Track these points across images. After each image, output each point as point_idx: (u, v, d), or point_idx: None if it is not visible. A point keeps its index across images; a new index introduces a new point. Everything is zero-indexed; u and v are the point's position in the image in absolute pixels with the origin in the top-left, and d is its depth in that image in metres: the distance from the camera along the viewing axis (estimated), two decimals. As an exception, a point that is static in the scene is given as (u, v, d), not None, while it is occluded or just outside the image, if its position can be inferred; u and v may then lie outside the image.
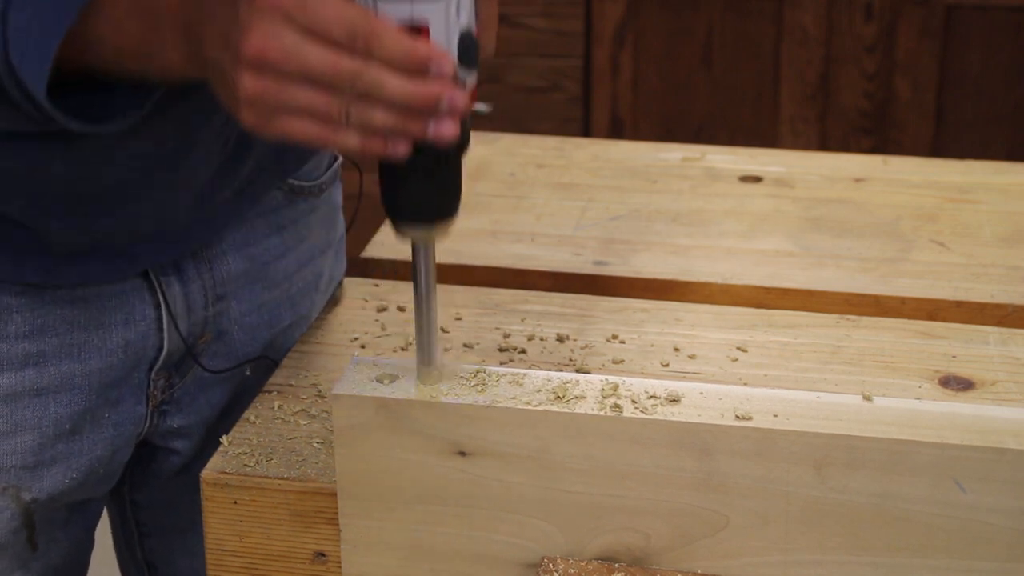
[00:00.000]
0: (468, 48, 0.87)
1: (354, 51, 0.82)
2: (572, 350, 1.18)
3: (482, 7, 0.90)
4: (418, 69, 0.83)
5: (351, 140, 0.85)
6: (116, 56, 0.90)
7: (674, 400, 0.94)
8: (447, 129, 0.85)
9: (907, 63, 2.86)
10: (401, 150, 0.86)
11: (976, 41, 2.85)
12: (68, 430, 1.12)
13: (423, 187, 0.91)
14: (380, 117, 0.84)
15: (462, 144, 0.90)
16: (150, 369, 1.15)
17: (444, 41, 0.86)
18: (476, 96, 0.90)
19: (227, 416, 1.22)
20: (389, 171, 0.91)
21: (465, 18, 0.87)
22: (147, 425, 1.18)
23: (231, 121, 1.08)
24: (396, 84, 0.83)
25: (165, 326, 1.14)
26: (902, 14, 2.84)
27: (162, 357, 1.15)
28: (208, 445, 1.21)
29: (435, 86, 0.83)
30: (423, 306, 0.95)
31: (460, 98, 0.84)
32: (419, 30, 0.85)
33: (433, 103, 0.84)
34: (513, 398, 0.94)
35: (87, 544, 1.21)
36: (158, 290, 1.14)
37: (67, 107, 0.90)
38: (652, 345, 1.19)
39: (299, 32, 0.82)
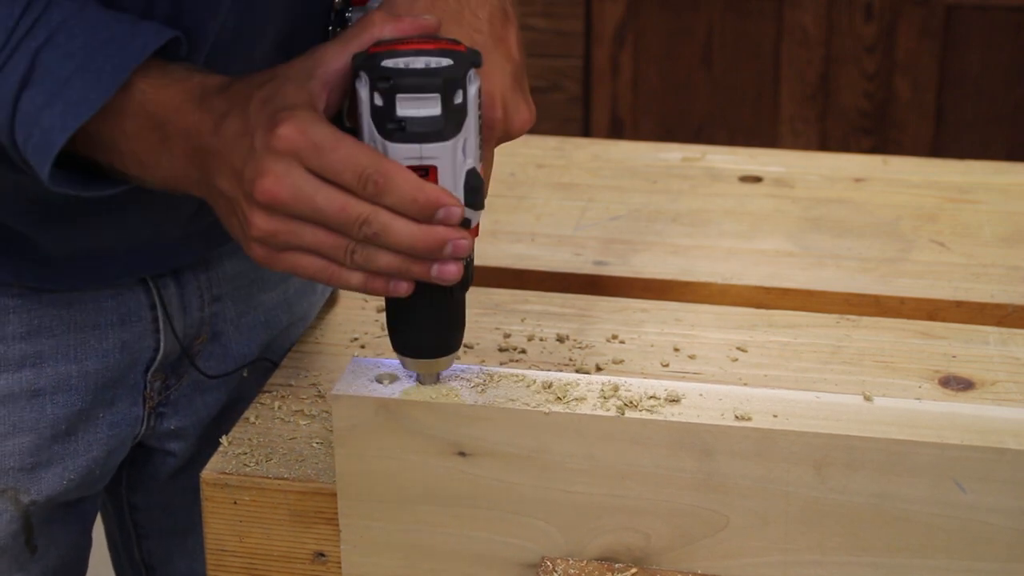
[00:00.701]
0: (474, 189, 0.88)
1: (364, 195, 0.84)
2: (572, 350, 1.18)
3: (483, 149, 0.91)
4: (427, 214, 0.84)
5: (354, 279, 0.87)
6: (119, 159, 0.92)
7: (674, 400, 0.94)
8: (450, 272, 0.87)
9: (907, 63, 2.86)
10: (403, 290, 0.88)
11: (976, 41, 2.85)
12: (64, 431, 1.12)
13: (425, 323, 0.93)
14: (385, 259, 0.86)
15: (465, 282, 0.91)
16: (146, 370, 1.15)
17: (451, 182, 0.87)
18: (478, 234, 0.91)
19: (224, 418, 1.22)
20: (393, 305, 0.93)
21: (471, 159, 0.88)
22: (143, 427, 1.18)
23: None
24: (403, 229, 0.84)
25: (161, 327, 1.14)
26: (902, 14, 2.84)
27: (158, 358, 1.15)
28: (205, 447, 1.21)
29: (441, 231, 0.85)
30: None
31: (465, 243, 0.86)
32: (427, 171, 0.86)
33: (439, 248, 0.85)
34: (513, 398, 0.94)
35: (84, 544, 1.21)
36: (154, 291, 1.14)
37: (59, 171, 0.90)
38: (652, 345, 1.19)
39: (312, 175, 0.84)
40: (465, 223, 0.87)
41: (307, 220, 0.85)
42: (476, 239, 0.91)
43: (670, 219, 1.43)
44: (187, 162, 0.89)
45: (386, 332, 0.93)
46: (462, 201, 0.87)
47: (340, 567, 1.01)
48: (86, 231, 1.07)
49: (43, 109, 0.87)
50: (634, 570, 0.96)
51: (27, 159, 0.89)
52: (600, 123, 3.02)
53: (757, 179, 1.53)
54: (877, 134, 2.92)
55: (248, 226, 0.86)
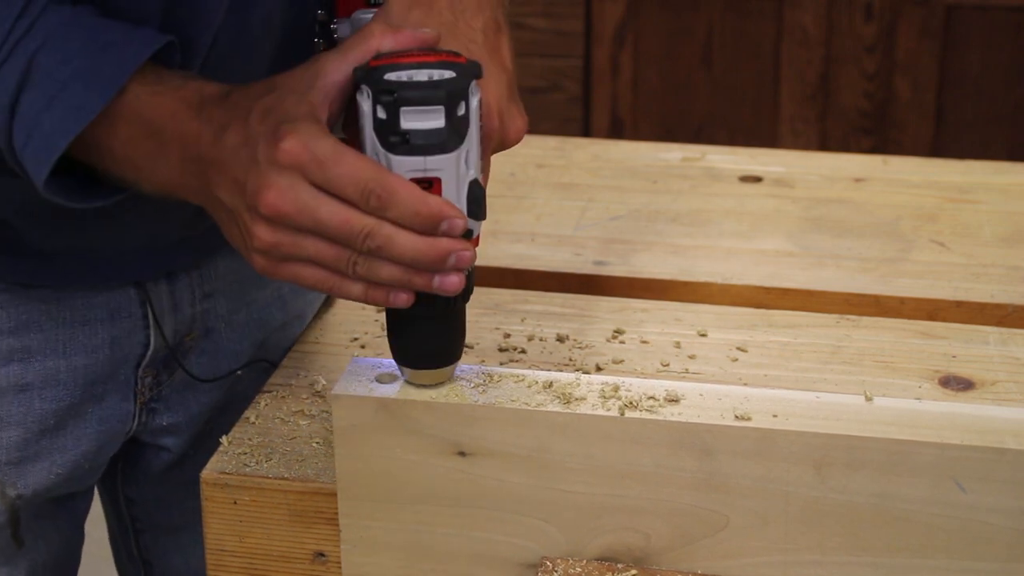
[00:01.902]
0: (477, 199, 0.88)
1: (367, 208, 0.84)
2: (572, 350, 1.18)
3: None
4: (430, 227, 0.85)
5: (355, 290, 0.88)
6: (116, 165, 0.92)
7: (674, 400, 0.94)
8: (452, 283, 0.87)
9: (907, 63, 2.87)
10: (403, 300, 0.88)
11: (976, 41, 2.85)
12: (53, 426, 1.12)
13: (426, 334, 0.93)
14: (387, 271, 0.86)
15: (466, 292, 0.91)
16: (137, 366, 1.16)
17: (454, 193, 0.87)
18: (479, 243, 0.91)
19: (217, 415, 1.22)
20: (394, 316, 0.93)
21: (474, 169, 0.88)
22: (135, 422, 1.18)
23: None
24: (406, 242, 0.85)
25: (151, 323, 1.15)
26: (902, 14, 2.84)
27: (149, 354, 1.16)
28: (199, 443, 1.21)
29: (445, 243, 0.85)
30: None
31: (468, 254, 0.86)
32: (431, 183, 0.86)
33: (442, 260, 0.86)
34: (513, 398, 0.94)
35: (76, 538, 1.22)
36: (144, 286, 1.14)
37: (56, 180, 0.90)
38: (652, 345, 1.19)
39: (315, 188, 0.84)
40: (467, 234, 0.87)
41: (309, 232, 0.85)
42: (477, 247, 0.91)
43: (670, 219, 1.43)
44: (184, 169, 0.89)
45: (386, 332, 0.93)
46: (465, 212, 0.87)
47: (340, 567, 1.01)
48: (79, 232, 1.07)
49: (42, 112, 0.87)
50: (634, 570, 0.96)
51: (24, 164, 0.89)
52: (600, 123, 3.02)
53: (757, 179, 1.53)
54: (877, 134, 2.92)
55: (250, 238, 0.86)
